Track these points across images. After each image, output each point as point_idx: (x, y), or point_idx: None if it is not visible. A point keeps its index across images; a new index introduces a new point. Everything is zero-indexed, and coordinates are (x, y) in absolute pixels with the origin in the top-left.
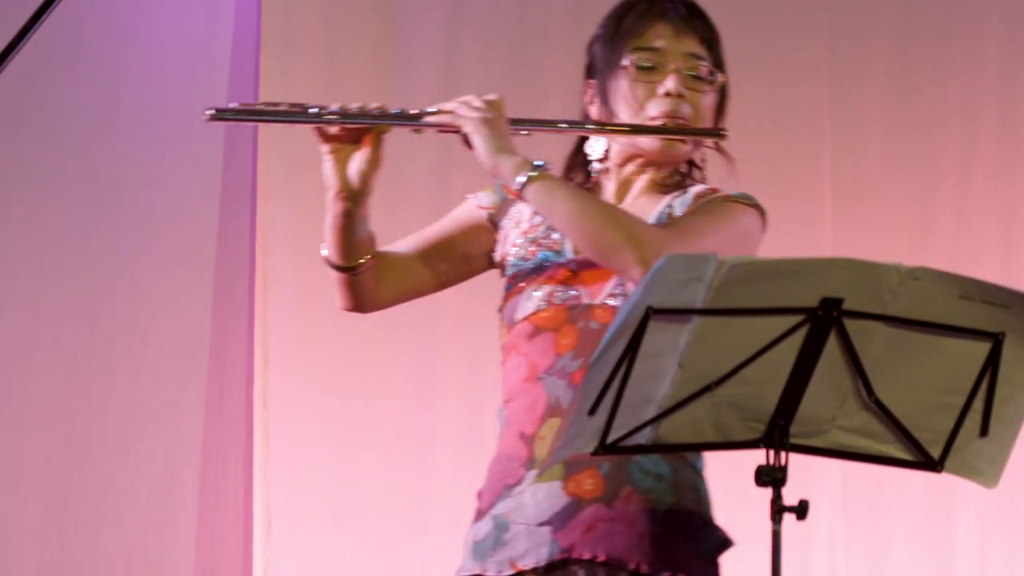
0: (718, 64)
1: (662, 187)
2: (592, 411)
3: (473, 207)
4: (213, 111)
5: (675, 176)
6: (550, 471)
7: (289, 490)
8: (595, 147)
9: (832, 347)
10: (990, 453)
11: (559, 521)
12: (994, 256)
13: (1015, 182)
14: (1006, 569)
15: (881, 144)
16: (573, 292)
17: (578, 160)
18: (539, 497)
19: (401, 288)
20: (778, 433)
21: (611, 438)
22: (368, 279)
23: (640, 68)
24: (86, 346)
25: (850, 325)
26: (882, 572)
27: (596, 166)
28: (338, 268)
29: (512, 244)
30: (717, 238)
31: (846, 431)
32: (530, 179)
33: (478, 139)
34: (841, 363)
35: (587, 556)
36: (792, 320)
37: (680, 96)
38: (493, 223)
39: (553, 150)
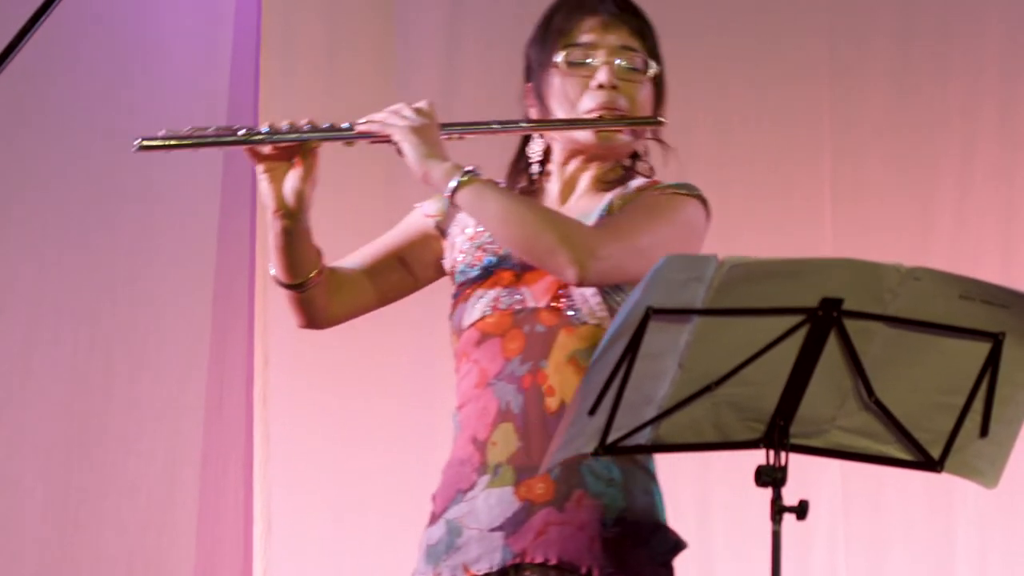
0: (652, 55)
1: (605, 183)
2: (592, 411)
3: (420, 216)
4: (140, 141)
5: (618, 170)
6: (501, 476)
7: (289, 490)
8: (535, 149)
9: (832, 347)
10: (990, 453)
11: (511, 526)
12: (994, 256)
13: (1015, 182)
14: (1006, 569)
15: (881, 144)
16: (518, 296)
17: (520, 164)
18: (491, 502)
19: (353, 303)
20: (778, 433)
21: (611, 438)
22: (319, 295)
23: (571, 64)
24: (86, 346)
25: (850, 325)
26: (882, 572)
27: (536, 168)
28: (286, 286)
29: (459, 251)
30: (654, 233)
31: (846, 431)
32: (460, 184)
33: (407, 147)
34: (841, 363)
35: (539, 560)
36: (792, 320)
37: (614, 88)
38: (441, 231)
39: (498, 154)
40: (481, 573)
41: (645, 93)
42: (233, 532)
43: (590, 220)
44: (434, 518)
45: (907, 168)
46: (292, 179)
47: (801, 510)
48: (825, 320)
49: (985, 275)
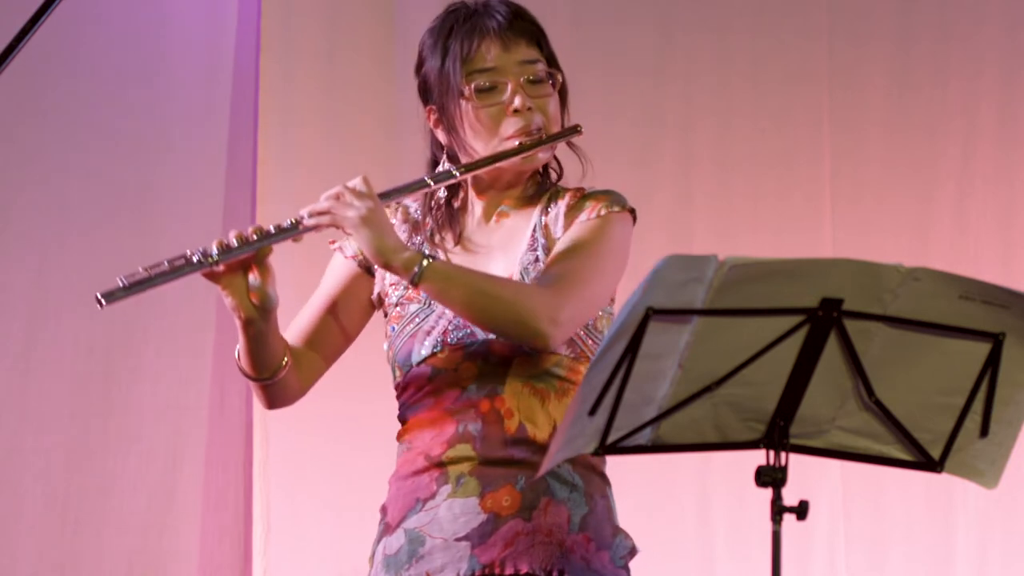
0: (551, 61)
1: (525, 201)
2: (592, 411)
3: (342, 261)
4: (101, 295)
5: (534, 181)
6: (464, 487)
7: (289, 490)
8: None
9: (832, 347)
10: (990, 454)
11: (477, 537)
12: (994, 256)
13: (1015, 182)
14: (1006, 569)
15: (881, 145)
16: (467, 329)
17: (434, 195)
18: (455, 511)
19: (317, 371)
20: (778, 433)
21: (611, 439)
22: (290, 379)
23: (480, 92)
24: (86, 346)
25: (850, 325)
26: (882, 572)
27: (443, 194)
28: (255, 379)
29: (390, 284)
30: (600, 273)
31: (846, 431)
32: (422, 274)
33: (362, 239)
34: (841, 363)
35: (509, 572)
36: (792, 320)
37: (529, 110)
38: (366, 268)
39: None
40: None
41: (555, 104)
42: (233, 532)
43: (522, 244)
44: (389, 528)
45: (907, 169)
46: (250, 286)
47: (801, 510)
48: (825, 320)
49: (985, 275)
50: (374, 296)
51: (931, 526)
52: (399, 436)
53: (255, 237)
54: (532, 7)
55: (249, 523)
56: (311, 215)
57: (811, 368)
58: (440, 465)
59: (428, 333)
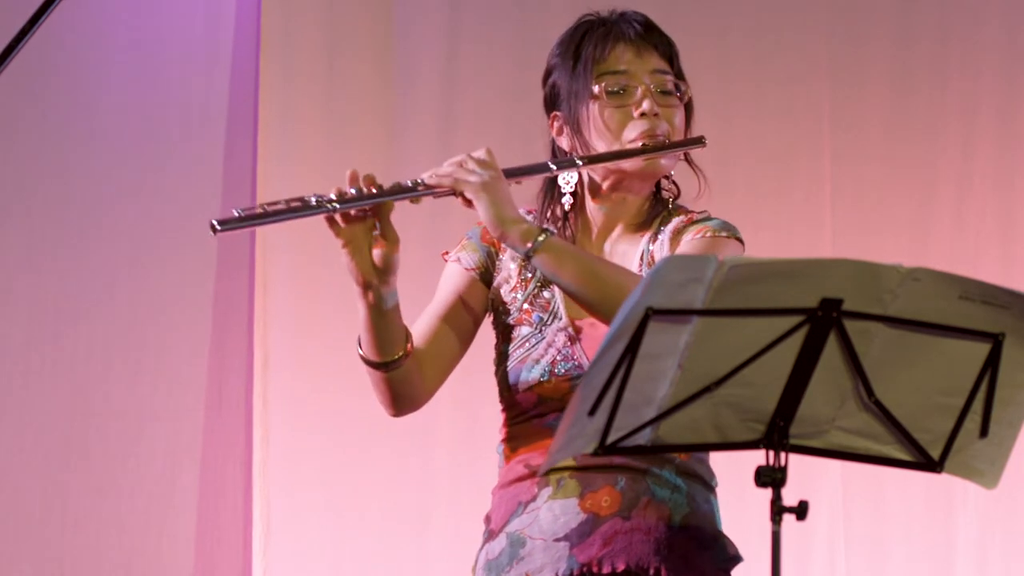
0: (680, 76)
1: (637, 226)
2: (592, 411)
3: (461, 270)
4: (217, 221)
5: (647, 203)
6: (565, 488)
7: (289, 490)
8: (569, 179)
9: (832, 348)
10: (990, 454)
11: (576, 537)
12: (993, 257)
13: (1014, 183)
14: (1006, 569)
15: (880, 145)
16: (574, 360)
17: (554, 193)
18: (556, 512)
19: (441, 374)
20: (778, 434)
21: (611, 439)
22: (412, 373)
23: (610, 93)
24: (86, 346)
25: (850, 326)
26: (882, 572)
27: (568, 199)
28: (375, 365)
29: (503, 302)
30: None
31: (846, 432)
32: (537, 248)
33: (482, 205)
34: (841, 364)
35: (607, 571)
36: (792, 321)
37: (656, 115)
38: (485, 282)
39: (528, 183)
40: None
41: (680, 116)
42: (233, 533)
43: (632, 267)
44: (492, 535)
45: (906, 169)
46: (371, 243)
47: (801, 510)
48: (825, 321)
49: (984, 276)
50: (489, 306)
51: (931, 526)
52: (504, 450)
53: (373, 190)
54: (531, 7)
55: (249, 523)
56: (433, 176)
57: (811, 368)
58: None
59: (537, 361)
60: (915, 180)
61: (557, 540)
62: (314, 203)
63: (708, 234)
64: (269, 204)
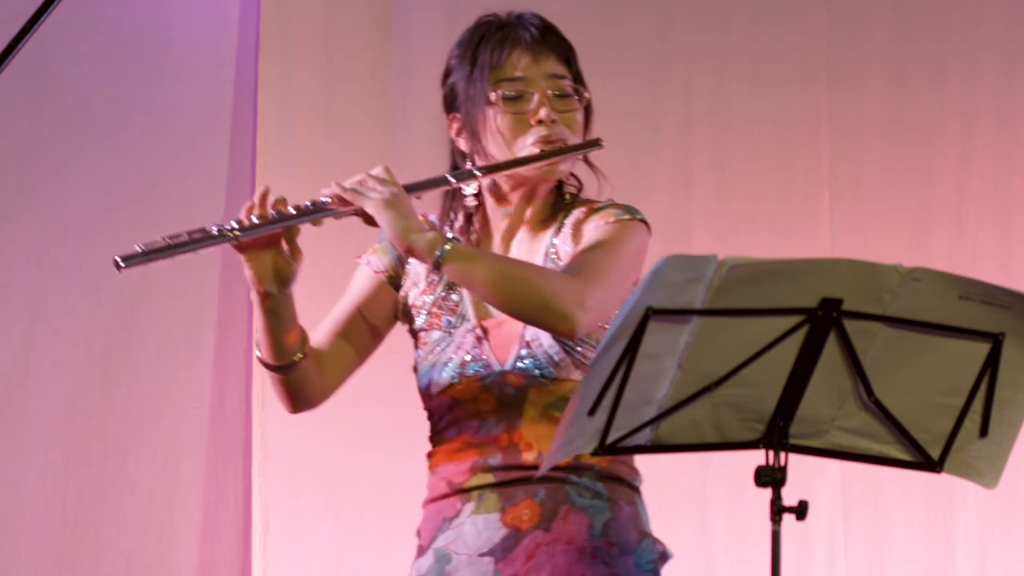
0: (578, 78)
1: (541, 222)
2: (592, 411)
3: (370, 273)
4: (120, 258)
5: (549, 200)
6: (486, 503)
7: (288, 490)
8: (470, 186)
9: (832, 348)
10: (990, 454)
11: (500, 552)
12: (992, 257)
13: (1013, 184)
14: (1006, 569)
15: (879, 147)
16: (483, 360)
17: (455, 201)
18: (479, 527)
19: (340, 375)
20: (778, 434)
21: (610, 439)
22: (311, 374)
23: (507, 99)
24: (86, 346)
25: (850, 326)
26: (882, 572)
27: (471, 201)
28: (273, 367)
29: (414, 305)
30: (618, 269)
31: (846, 432)
32: (445, 256)
33: (385, 222)
34: (841, 364)
35: None
36: (792, 320)
37: (553, 122)
38: (394, 285)
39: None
40: None
41: (580, 119)
42: (233, 532)
43: (537, 262)
44: (421, 551)
45: (905, 170)
46: (274, 258)
47: (801, 510)
48: (825, 320)
49: (984, 276)
50: (399, 310)
51: (931, 526)
52: (428, 462)
53: (275, 216)
54: (531, 7)
55: (249, 523)
56: (334, 197)
57: (811, 368)
58: (463, 491)
59: (446, 364)
60: (914, 181)
61: (482, 555)
62: (216, 233)
63: (611, 220)
64: (171, 237)
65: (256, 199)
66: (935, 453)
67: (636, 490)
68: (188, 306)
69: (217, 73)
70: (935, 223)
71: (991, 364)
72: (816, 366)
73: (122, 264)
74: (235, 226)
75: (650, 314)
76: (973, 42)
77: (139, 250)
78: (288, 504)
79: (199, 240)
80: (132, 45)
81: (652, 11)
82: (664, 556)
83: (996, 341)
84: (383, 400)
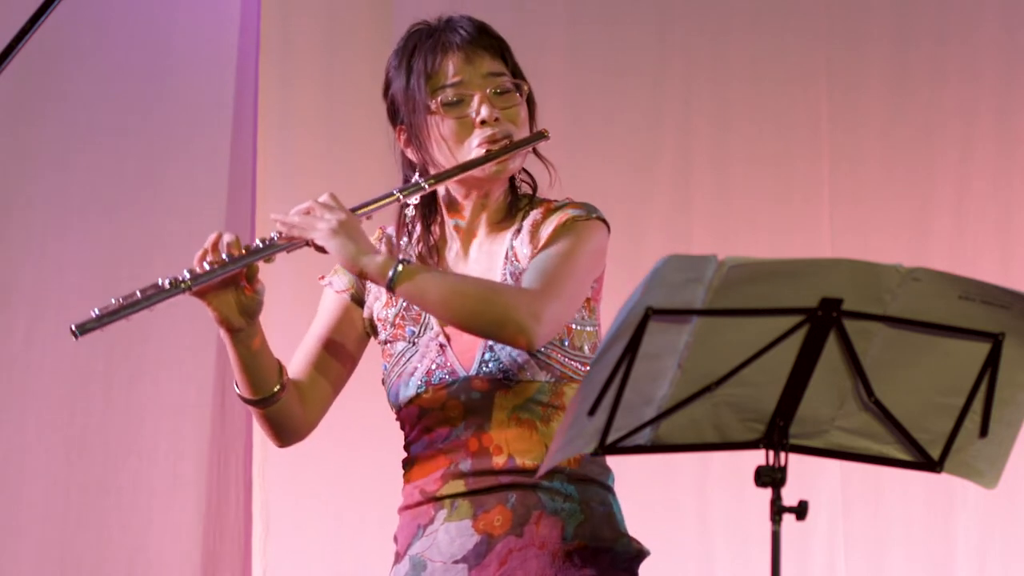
0: (516, 72)
1: (499, 224)
2: (592, 411)
3: (333, 295)
4: (75, 327)
5: (505, 200)
6: (459, 510)
7: (289, 490)
8: (414, 198)
9: (832, 348)
10: (990, 454)
11: (474, 558)
12: (992, 257)
13: (1013, 184)
14: (1006, 569)
15: (879, 147)
16: (448, 368)
17: (409, 215)
18: (452, 534)
19: (322, 404)
20: (778, 434)
21: (610, 439)
22: (291, 405)
23: (446, 105)
24: (87, 345)
25: (850, 326)
26: (882, 572)
27: (411, 212)
28: (252, 402)
29: (378, 319)
30: (575, 276)
31: (846, 432)
32: (397, 277)
33: (335, 250)
34: (841, 364)
35: None
36: (792, 320)
37: (496, 120)
38: (357, 300)
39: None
40: None
41: (523, 114)
42: (234, 532)
43: (496, 270)
44: (398, 558)
45: (905, 170)
46: (236, 295)
47: (801, 510)
48: (825, 320)
49: (984, 276)
50: (367, 326)
51: (931, 526)
52: (403, 474)
53: (228, 259)
54: (530, 7)
55: (249, 523)
56: (281, 233)
57: (811, 368)
58: (435, 499)
59: (412, 374)
60: (914, 181)
61: (456, 562)
62: (168, 286)
63: (568, 221)
64: (125, 297)
65: (208, 245)
66: (935, 453)
67: (609, 489)
68: (190, 306)
69: (218, 74)
70: (935, 223)
71: (991, 364)
72: (816, 366)
73: (78, 333)
74: (187, 276)
75: (650, 314)
76: (973, 43)
77: (94, 315)
78: (288, 504)
79: (151, 296)
80: (133, 45)
81: (652, 11)
82: (640, 554)
83: (996, 341)
84: (383, 401)
